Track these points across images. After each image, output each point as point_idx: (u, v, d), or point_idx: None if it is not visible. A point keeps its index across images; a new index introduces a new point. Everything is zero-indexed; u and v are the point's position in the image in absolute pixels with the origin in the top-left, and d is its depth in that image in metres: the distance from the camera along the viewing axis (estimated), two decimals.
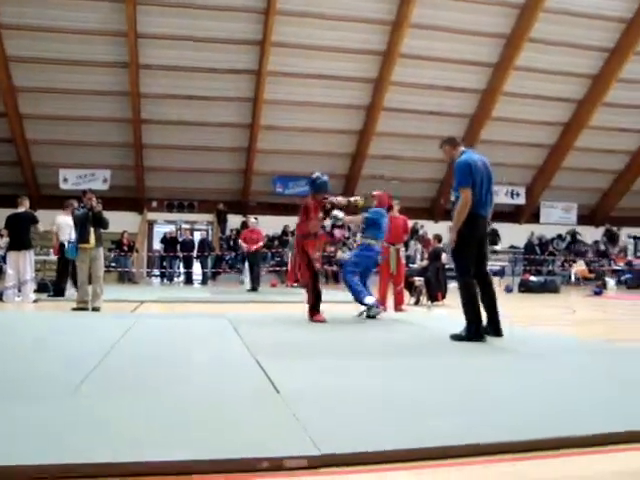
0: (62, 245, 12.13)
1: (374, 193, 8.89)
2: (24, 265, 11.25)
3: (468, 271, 5.99)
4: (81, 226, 9.50)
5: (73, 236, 11.39)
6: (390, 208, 9.42)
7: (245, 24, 19.59)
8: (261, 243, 16.65)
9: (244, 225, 21.55)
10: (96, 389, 3.58)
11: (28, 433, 2.62)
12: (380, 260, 9.01)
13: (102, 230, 9.68)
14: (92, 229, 9.44)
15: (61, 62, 19.51)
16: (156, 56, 19.91)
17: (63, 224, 12.27)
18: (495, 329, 5.95)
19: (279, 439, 2.58)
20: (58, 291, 12.25)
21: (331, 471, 2.35)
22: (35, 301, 11.16)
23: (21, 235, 11.30)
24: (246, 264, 17.79)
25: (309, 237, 7.73)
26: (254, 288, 15.73)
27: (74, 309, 9.36)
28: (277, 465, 2.36)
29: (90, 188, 10.88)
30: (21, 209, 11.51)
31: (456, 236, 5.92)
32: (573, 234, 26.54)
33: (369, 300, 7.91)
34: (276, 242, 22.82)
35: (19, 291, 11.37)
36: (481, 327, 5.84)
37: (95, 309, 9.38)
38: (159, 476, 2.28)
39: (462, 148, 6.27)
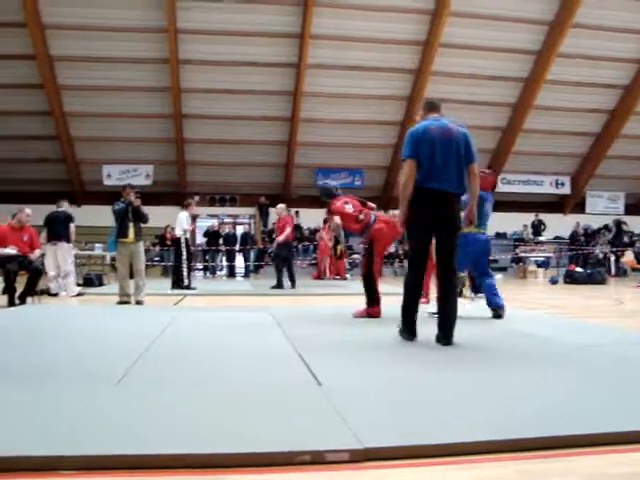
0: (286, 244, 13.36)
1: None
2: (63, 258, 11.45)
3: (413, 261, 5.23)
4: (121, 221, 9.62)
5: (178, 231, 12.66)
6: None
7: (284, 17, 19.61)
8: (287, 231, 13.73)
9: (262, 209, 21.22)
10: (139, 381, 3.61)
11: (72, 423, 2.65)
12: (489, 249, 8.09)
13: (142, 225, 9.78)
14: (131, 224, 9.56)
15: (103, 60, 19.81)
16: (196, 51, 20.08)
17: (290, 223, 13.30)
18: (445, 336, 4.97)
19: (321, 432, 2.56)
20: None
21: (373, 465, 2.32)
22: (79, 294, 11.34)
23: (59, 231, 11.52)
24: None
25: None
26: (281, 284, 13.48)
27: (118, 303, 9.50)
28: (318, 458, 2.33)
29: (130, 183, 11.03)
30: (60, 209, 11.79)
31: (403, 217, 5.18)
32: (618, 223, 25.95)
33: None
34: (317, 234, 22.80)
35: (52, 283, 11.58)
36: (408, 334, 5.12)
37: (138, 302, 9.49)
38: (199, 469, 2.27)
39: (431, 115, 5.38)
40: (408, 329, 5.15)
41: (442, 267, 5.13)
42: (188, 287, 12.79)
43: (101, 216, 13.85)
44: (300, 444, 2.41)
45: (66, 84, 20.42)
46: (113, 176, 22.81)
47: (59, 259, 11.44)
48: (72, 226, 11.74)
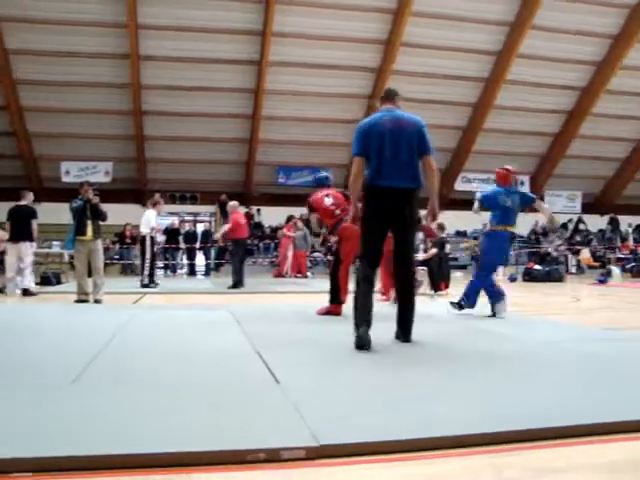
0: (241, 242, 13.00)
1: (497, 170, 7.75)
2: (24, 256, 11.20)
3: (363, 259, 4.98)
4: (78, 218, 9.47)
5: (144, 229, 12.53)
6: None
7: (246, 14, 19.51)
8: (225, 227, 13.44)
9: (222, 206, 19.66)
10: (94, 380, 3.55)
11: (26, 424, 2.58)
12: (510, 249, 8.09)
13: (101, 222, 9.64)
14: (89, 221, 9.42)
15: (61, 54, 19.48)
16: (157, 47, 19.86)
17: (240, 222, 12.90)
18: (404, 333, 4.92)
19: (277, 430, 2.54)
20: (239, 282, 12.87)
21: (329, 462, 2.30)
22: (32, 294, 11.08)
23: (22, 228, 11.25)
24: None
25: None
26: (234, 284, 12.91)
27: (76, 301, 9.35)
28: (274, 456, 2.31)
29: (88, 180, 10.83)
30: (23, 202, 11.46)
31: (353, 214, 5.04)
32: (578, 222, 26.47)
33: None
34: (279, 232, 22.80)
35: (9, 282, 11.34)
36: (361, 337, 4.61)
37: (97, 301, 9.34)
38: (155, 468, 2.23)
39: (384, 106, 5.13)
40: (361, 327, 4.69)
41: (399, 264, 5.01)
42: (149, 285, 12.66)
43: (59, 213, 13.61)
44: (256, 442, 2.38)
45: (23, 78, 20.02)
46: (72, 173, 22.43)
47: (22, 257, 11.17)
48: (34, 223, 11.42)
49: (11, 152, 21.76)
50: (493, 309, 7.04)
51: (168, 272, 21.11)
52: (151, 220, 12.75)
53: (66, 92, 20.36)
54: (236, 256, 13.35)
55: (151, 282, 12.80)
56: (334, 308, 7.11)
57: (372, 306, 4.84)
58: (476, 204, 7.56)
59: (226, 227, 13.26)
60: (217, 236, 13.93)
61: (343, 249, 7.14)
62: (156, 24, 19.28)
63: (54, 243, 17.71)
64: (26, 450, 2.28)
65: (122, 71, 20.21)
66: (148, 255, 12.75)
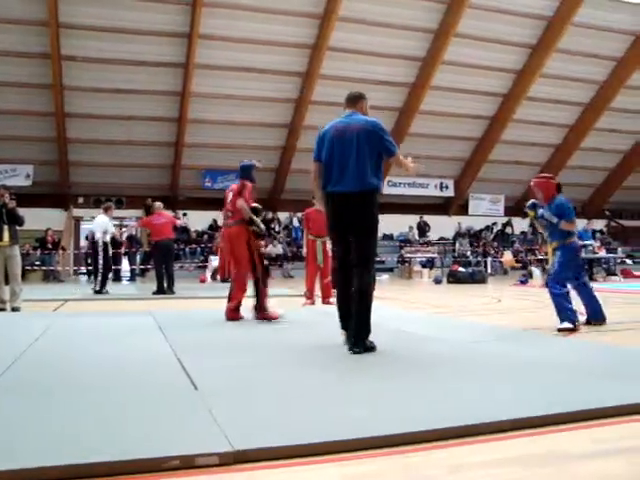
0: (158, 245, 12.71)
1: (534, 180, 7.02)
2: None
3: (335, 263, 5.25)
4: None
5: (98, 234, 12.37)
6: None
7: (172, 16, 19.27)
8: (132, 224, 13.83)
9: (148, 210, 19.87)
10: (6, 390, 3.43)
11: None
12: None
13: (18, 227, 9.36)
14: (6, 226, 9.13)
15: None
16: (80, 47, 19.34)
17: (156, 224, 12.71)
18: (352, 340, 4.74)
19: (192, 436, 2.53)
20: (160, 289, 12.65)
21: (244, 467, 2.30)
22: None
23: None
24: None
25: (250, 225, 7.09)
26: (167, 289, 12.67)
27: None
28: (188, 462, 2.30)
29: (4, 184, 10.46)
30: None
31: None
32: (506, 224, 27.21)
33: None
34: (205, 237, 22.69)
35: None
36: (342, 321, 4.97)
37: (15, 309, 9.06)
38: None
39: (346, 111, 5.20)
40: (341, 324, 5.00)
41: (354, 269, 4.86)
42: (101, 292, 12.56)
43: None
44: (171, 449, 2.36)
45: None
46: None
47: None
48: None
49: None
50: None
51: (92, 278, 20.62)
52: (107, 225, 12.74)
53: None
54: (156, 260, 13.18)
55: (103, 288, 12.67)
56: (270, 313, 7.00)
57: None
58: (556, 219, 6.63)
59: (133, 224, 13.21)
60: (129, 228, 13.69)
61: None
62: (79, 23, 18.81)
63: None
64: None
65: (43, 71, 19.62)
66: (101, 261, 12.67)
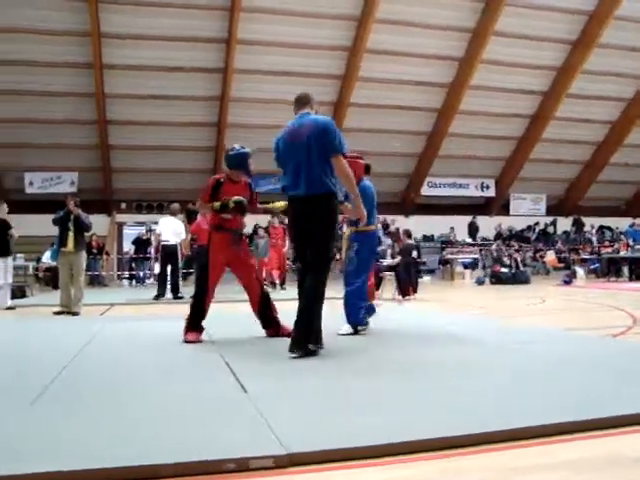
0: (164, 249, 12.62)
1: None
2: (0, 272, 10.84)
3: (300, 266, 5.00)
4: (60, 230, 9.50)
5: (176, 239, 12.42)
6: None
7: (210, 22, 19.47)
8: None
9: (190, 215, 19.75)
10: (58, 397, 3.49)
11: None
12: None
13: (85, 233, 9.75)
14: (71, 233, 9.44)
15: (23, 63, 19.21)
16: (120, 56, 19.68)
17: (167, 227, 12.68)
18: (291, 341, 4.63)
19: (245, 439, 2.55)
20: (161, 293, 12.66)
21: (298, 470, 2.33)
22: (11, 307, 10.87)
23: None
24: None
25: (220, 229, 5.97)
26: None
27: (55, 313, 9.35)
28: (243, 466, 2.33)
29: (73, 192, 10.77)
30: None
31: None
32: (551, 224, 26.78)
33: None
34: (247, 240, 22.80)
35: None
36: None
37: (74, 313, 9.31)
38: None
39: (299, 112, 5.05)
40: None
41: (307, 272, 4.76)
42: (179, 296, 12.49)
43: (23, 225, 13.40)
44: (225, 452, 2.39)
45: None
46: (35, 184, 22.19)
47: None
48: (13, 232, 10.83)
49: None
50: None
51: (135, 282, 20.93)
52: (181, 228, 12.87)
53: (29, 101, 20.07)
54: (198, 264, 13.11)
55: (179, 292, 12.73)
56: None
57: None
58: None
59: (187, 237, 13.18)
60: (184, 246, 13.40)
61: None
62: (118, 32, 19.14)
63: (18, 256, 17.45)
64: None
65: (86, 80, 20.01)
66: (180, 265, 13.08)
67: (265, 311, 5.96)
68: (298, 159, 4.76)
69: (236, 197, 5.81)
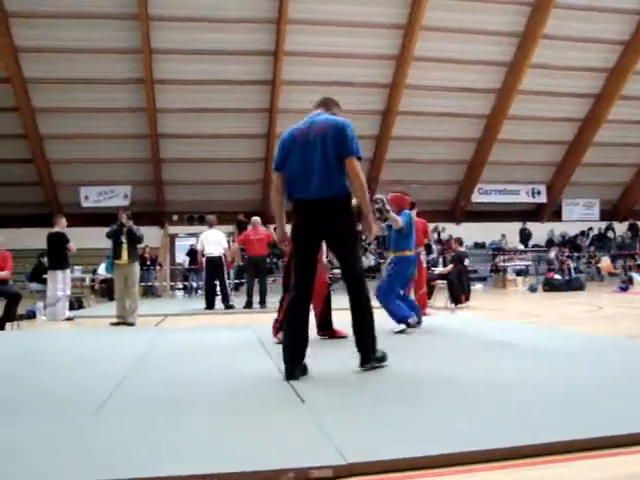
0: (209, 261, 12.67)
1: (390, 195, 7.23)
2: (59, 284, 11.19)
3: (294, 280, 4.47)
4: (114, 243, 9.76)
5: (220, 250, 12.56)
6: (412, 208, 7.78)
7: (258, 35, 19.71)
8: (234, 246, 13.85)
9: (241, 226, 20.50)
10: (119, 408, 3.55)
11: (45, 452, 2.65)
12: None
13: (138, 245, 10.14)
14: (125, 245, 9.69)
15: (78, 81, 19.76)
16: (170, 71, 20.09)
17: (208, 240, 12.79)
18: (361, 356, 4.42)
19: (304, 449, 2.58)
20: (209, 304, 12.76)
21: None
22: (70, 319, 11.19)
23: (55, 254, 11.33)
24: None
25: None
26: (259, 303, 12.79)
27: (112, 324, 9.62)
28: (303, 475, 2.35)
29: (124, 206, 11.04)
30: (56, 228, 11.43)
31: (279, 234, 4.75)
32: (607, 228, 26.21)
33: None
34: None
35: (44, 309, 11.44)
36: (291, 368, 4.22)
37: (130, 324, 9.53)
38: None
39: (315, 111, 4.74)
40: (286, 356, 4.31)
41: (346, 279, 4.50)
42: (231, 305, 12.80)
43: (79, 238, 13.72)
44: (284, 462, 2.42)
45: (41, 106, 20.33)
46: (91, 198, 22.73)
47: (58, 285, 11.11)
48: (72, 245, 11.30)
49: (31, 179, 22.05)
50: None
51: (187, 293, 21.18)
52: (223, 241, 13.03)
53: (83, 118, 20.62)
54: (248, 275, 13.35)
55: (230, 301, 12.94)
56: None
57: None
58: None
59: (234, 246, 13.42)
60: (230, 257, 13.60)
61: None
62: (168, 48, 19.53)
63: (75, 267, 17.87)
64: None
65: (137, 95, 20.47)
66: (232, 275, 13.06)
67: (326, 316, 6.61)
68: (309, 158, 4.36)
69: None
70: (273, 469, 2.37)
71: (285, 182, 4.49)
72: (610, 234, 26.18)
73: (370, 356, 4.41)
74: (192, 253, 21.02)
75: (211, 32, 19.25)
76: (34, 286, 14.03)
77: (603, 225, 26.41)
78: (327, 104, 4.77)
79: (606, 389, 3.66)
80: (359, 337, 4.42)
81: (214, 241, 12.79)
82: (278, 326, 6.16)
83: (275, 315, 6.60)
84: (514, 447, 2.57)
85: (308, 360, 4.38)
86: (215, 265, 12.70)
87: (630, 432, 2.70)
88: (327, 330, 6.58)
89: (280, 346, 4.51)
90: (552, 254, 22.05)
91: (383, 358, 4.51)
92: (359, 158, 4.37)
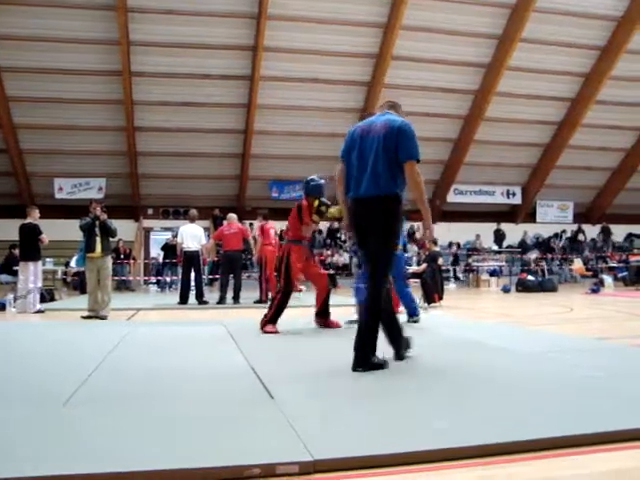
0: (186, 255, 12.53)
1: None
2: (31, 275, 11.05)
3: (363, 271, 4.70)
4: (88, 235, 9.67)
5: (197, 245, 12.40)
6: None
7: (238, 30, 19.61)
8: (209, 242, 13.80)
9: (216, 221, 20.61)
10: (86, 401, 3.52)
11: (11, 444, 2.61)
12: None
13: (111, 238, 9.97)
14: (99, 238, 9.60)
15: (54, 71, 19.51)
16: (148, 63, 19.91)
17: (187, 233, 12.62)
18: (355, 358, 4.38)
19: (271, 445, 2.57)
20: (183, 299, 12.62)
21: (323, 477, 2.33)
22: (40, 311, 11.06)
23: (26, 246, 11.18)
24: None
25: (298, 242, 7.35)
26: (233, 298, 12.74)
27: (84, 317, 9.50)
28: (269, 471, 2.34)
29: (98, 198, 10.92)
30: (28, 220, 11.26)
31: (345, 223, 4.89)
32: (578, 231, 26.49)
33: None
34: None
35: (15, 300, 11.30)
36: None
37: (102, 317, 9.44)
38: None
39: (380, 112, 4.82)
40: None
41: (368, 277, 4.52)
42: (204, 301, 12.62)
43: (52, 230, 13.57)
44: (251, 458, 2.41)
45: (15, 95, 20.04)
46: (65, 189, 22.46)
47: (29, 277, 10.97)
48: (44, 237, 11.12)
49: (4, 169, 21.73)
50: None
51: (160, 287, 21.05)
52: (202, 236, 12.92)
53: (58, 109, 20.37)
54: (223, 270, 13.30)
55: (203, 297, 12.78)
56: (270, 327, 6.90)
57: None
58: None
59: (209, 242, 13.45)
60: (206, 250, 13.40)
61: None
62: (147, 40, 19.36)
63: (47, 260, 17.66)
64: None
65: (114, 87, 20.25)
66: (206, 270, 12.90)
67: (325, 306, 7.34)
68: (362, 158, 4.50)
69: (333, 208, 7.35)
70: (239, 464, 2.36)
71: (345, 175, 4.70)
72: (581, 237, 26.47)
73: (364, 360, 4.31)
74: (167, 247, 20.94)
75: (190, 25, 19.10)
76: (4, 278, 13.88)
77: (576, 227, 26.70)
78: (394, 106, 4.88)
79: (575, 388, 3.69)
80: (356, 337, 4.39)
81: (192, 235, 12.69)
82: (266, 320, 6.92)
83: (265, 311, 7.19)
84: (483, 445, 2.58)
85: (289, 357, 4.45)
86: (192, 259, 12.61)
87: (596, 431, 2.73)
88: (323, 319, 7.33)
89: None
90: (533, 256, 22.22)
91: (380, 365, 4.35)
92: (418, 161, 4.50)
